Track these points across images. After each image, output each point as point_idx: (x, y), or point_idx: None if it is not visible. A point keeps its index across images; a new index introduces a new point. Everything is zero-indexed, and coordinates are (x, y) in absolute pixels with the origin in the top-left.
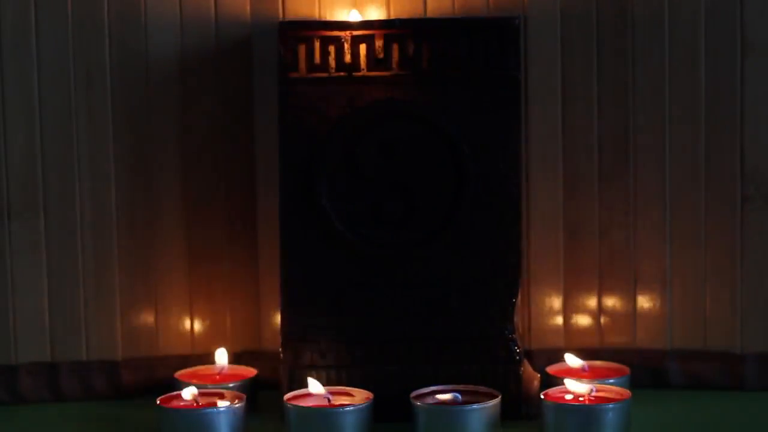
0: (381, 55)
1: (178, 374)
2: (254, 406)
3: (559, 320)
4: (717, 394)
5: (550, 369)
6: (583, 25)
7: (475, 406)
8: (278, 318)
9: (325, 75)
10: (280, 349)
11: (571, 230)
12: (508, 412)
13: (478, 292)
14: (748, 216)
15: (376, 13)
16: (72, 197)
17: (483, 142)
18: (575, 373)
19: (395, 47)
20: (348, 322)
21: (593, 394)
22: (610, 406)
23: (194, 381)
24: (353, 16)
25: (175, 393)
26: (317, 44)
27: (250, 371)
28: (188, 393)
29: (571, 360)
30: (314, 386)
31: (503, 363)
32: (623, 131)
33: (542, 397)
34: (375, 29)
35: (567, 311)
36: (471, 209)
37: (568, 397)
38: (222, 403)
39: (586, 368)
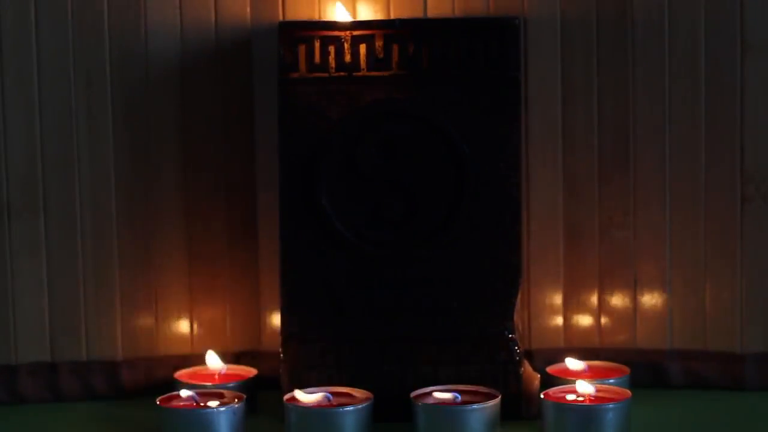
0: (381, 55)
1: (178, 374)
2: (254, 406)
3: (559, 320)
4: (717, 394)
5: (550, 369)
6: (583, 25)
7: (475, 406)
8: (278, 318)
9: (325, 75)
10: (280, 349)
11: (571, 230)
12: (508, 412)
13: (478, 292)
14: (748, 216)
15: (376, 13)
16: (72, 197)
17: (483, 142)
18: (575, 373)
19: (395, 47)
20: (348, 322)
21: (593, 394)
22: (610, 406)
23: (194, 381)
24: (339, 9)
25: (175, 393)
26: (317, 44)
27: (250, 371)
28: (184, 393)
29: (572, 363)
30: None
31: (503, 363)
32: (623, 131)
33: (542, 397)
34: (375, 29)
35: (567, 311)
36: (471, 209)
37: (569, 396)
38: (222, 403)
39: (587, 368)
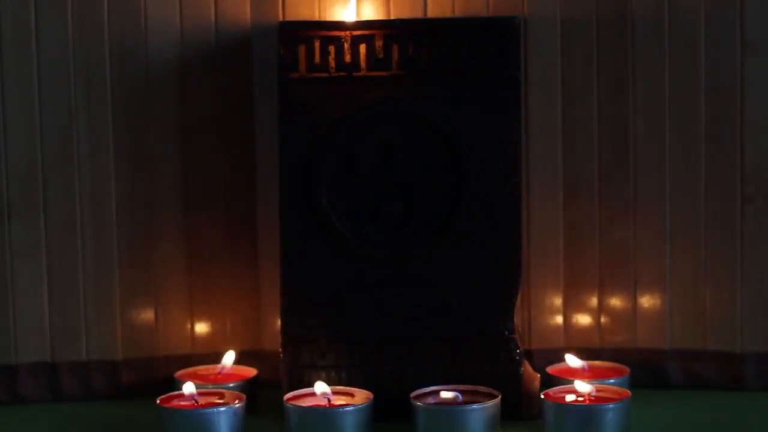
0: (381, 55)
1: (178, 374)
2: (254, 406)
3: (559, 320)
4: (717, 394)
5: (550, 369)
6: (583, 25)
7: (475, 406)
8: (278, 318)
9: (325, 75)
10: (280, 349)
11: (571, 230)
12: (508, 412)
13: (478, 292)
14: (748, 216)
15: (376, 13)
16: (72, 197)
17: (483, 142)
18: (575, 373)
19: (395, 47)
20: (348, 322)
21: (593, 394)
22: (610, 406)
23: (194, 381)
24: (349, 11)
25: (175, 393)
26: (317, 44)
27: (250, 371)
28: (188, 389)
29: (572, 360)
30: (320, 387)
31: (503, 363)
32: (623, 131)
33: (542, 397)
34: (375, 29)
35: (567, 311)
36: (471, 209)
37: (569, 397)
38: (222, 403)
39: (586, 368)
